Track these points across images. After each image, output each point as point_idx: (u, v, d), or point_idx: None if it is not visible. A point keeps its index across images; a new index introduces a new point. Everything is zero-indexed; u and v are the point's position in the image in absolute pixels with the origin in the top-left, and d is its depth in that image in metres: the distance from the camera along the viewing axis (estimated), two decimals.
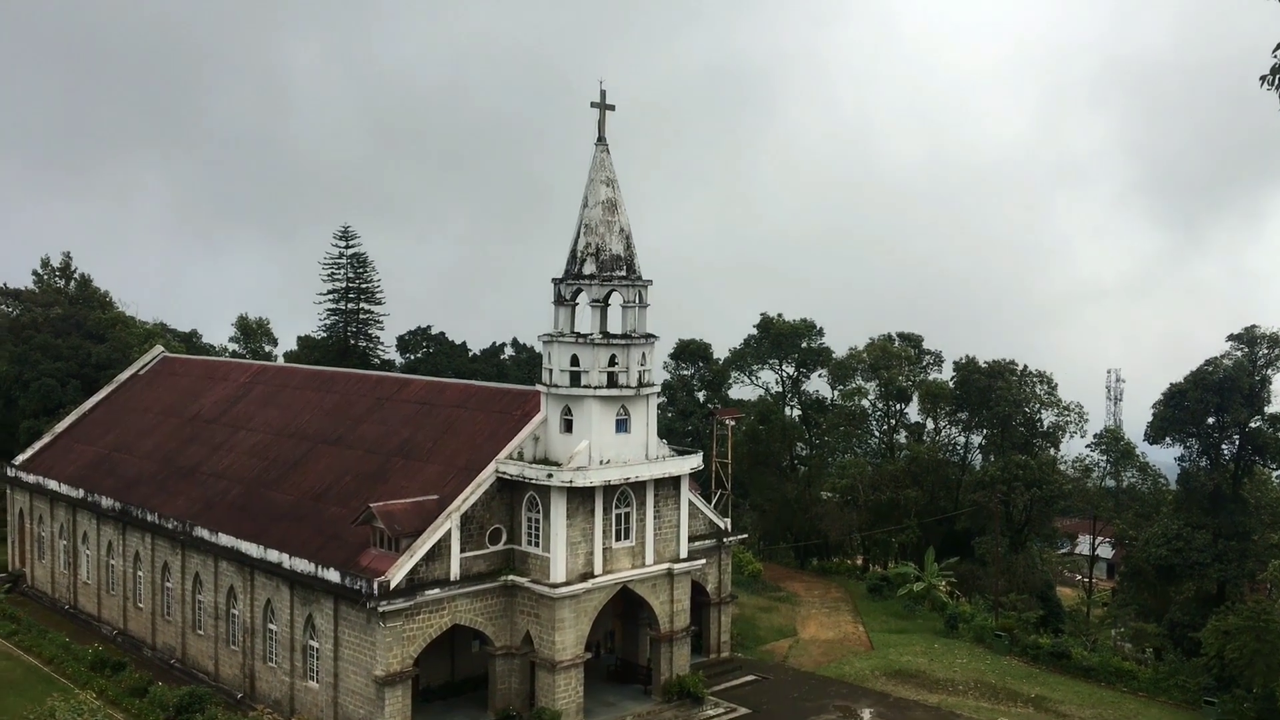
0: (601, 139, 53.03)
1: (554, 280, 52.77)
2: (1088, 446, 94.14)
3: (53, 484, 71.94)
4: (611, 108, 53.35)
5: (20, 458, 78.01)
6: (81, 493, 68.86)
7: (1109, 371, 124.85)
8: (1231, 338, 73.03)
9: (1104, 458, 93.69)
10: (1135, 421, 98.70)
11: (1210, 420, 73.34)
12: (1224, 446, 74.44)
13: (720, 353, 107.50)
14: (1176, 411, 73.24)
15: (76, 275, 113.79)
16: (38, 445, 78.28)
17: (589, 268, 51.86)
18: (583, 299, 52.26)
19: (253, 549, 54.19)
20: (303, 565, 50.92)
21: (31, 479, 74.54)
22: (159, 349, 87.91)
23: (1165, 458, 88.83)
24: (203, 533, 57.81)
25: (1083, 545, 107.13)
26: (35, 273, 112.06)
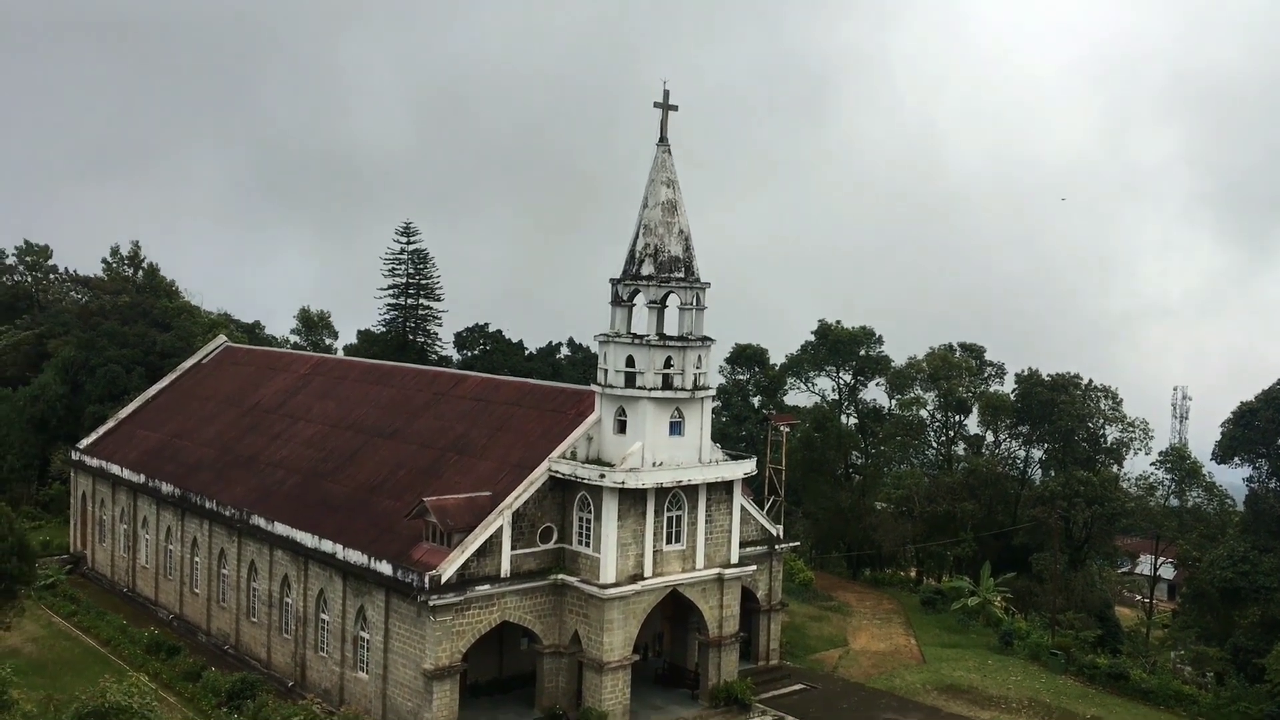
0: (663, 139, 52.82)
1: (611, 280, 52.63)
2: (1152, 465, 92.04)
3: (115, 469, 73.19)
4: (674, 108, 53.13)
5: (84, 442, 79.49)
6: (142, 478, 69.95)
7: (1175, 389, 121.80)
8: None
9: (1169, 476, 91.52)
10: (1200, 441, 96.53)
11: None
12: None
13: (777, 358, 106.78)
14: (1247, 431, 71.44)
15: (145, 264, 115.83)
16: (101, 430, 79.72)
17: (647, 269, 51.64)
18: (640, 300, 52.07)
19: (307, 539, 54.65)
20: (356, 556, 51.24)
21: (94, 463, 75.89)
22: (222, 338, 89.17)
23: (1231, 479, 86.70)
24: (259, 521, 58.41)
25: (1143, 565, 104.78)
26: (105, 260, 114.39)
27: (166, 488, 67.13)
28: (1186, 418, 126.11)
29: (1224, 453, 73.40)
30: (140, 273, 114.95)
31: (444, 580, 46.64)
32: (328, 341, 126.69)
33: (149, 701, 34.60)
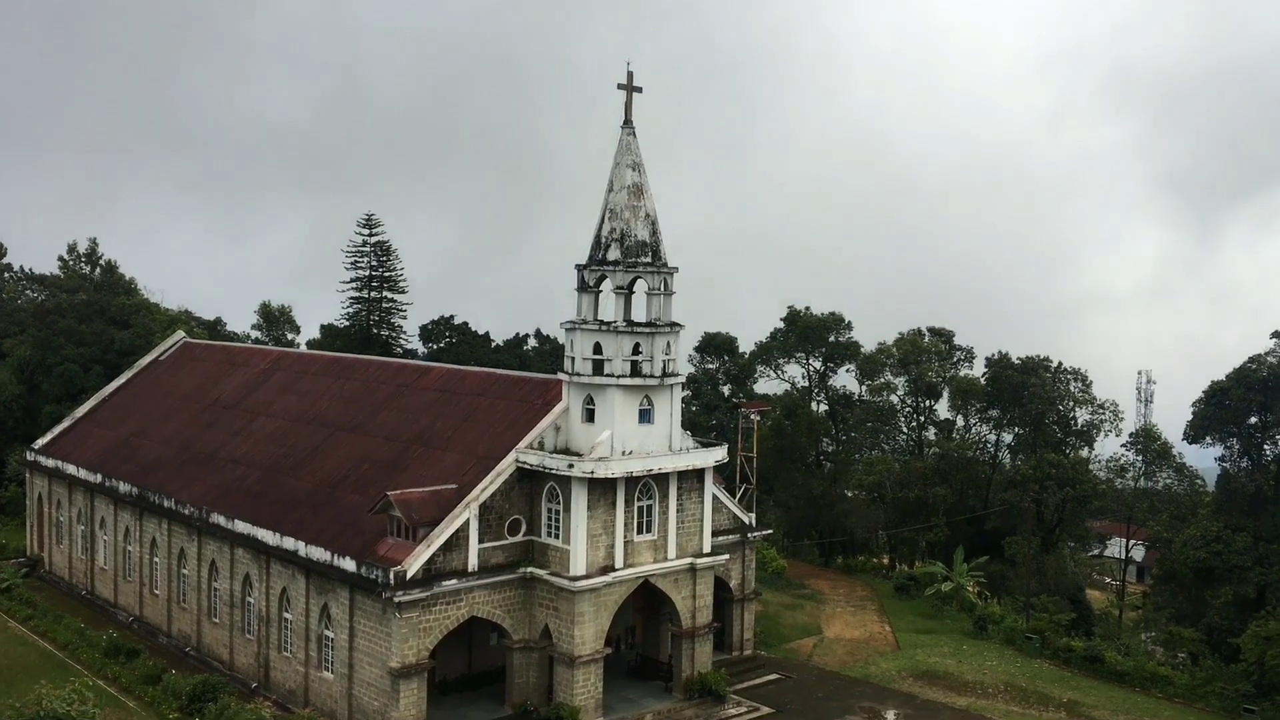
0: (628, 122, 51.69)
1: (578, 266, 51.53)
2: (1123, 446, 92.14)
3: (71, 469, 71.40)
4: (639, 90, 52.05)
5: (40, 442, 77.61)
6: (99, 477, 68.27)
7: (1140, 373, 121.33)
8: (1276, 334, 70.93)
9: (1139, 458, 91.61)
10: (1163, 424, 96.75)
11: (1253, 420, 71.34)
12: (1266, 446, 72.37)
13: (746, 346, 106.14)
14: (1218, 410, 71.29)
15: (102, 261, 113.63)
16: (57, 430, 77.85)
17: (613, 253, 50.58)
18: (607, 285, 50.98)
19: (269, 536, 53.30)
20: (319, 553, 49.96)
21: (50, 463, 74.05)
22: (180, 334, 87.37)
23: (1200, 459, 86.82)
24: (219, 519, 56.98)
25: (1113, 547, 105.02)
26: (61, 258, 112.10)
27: (124, 487, 65.49)
28: (1151, 401, 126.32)
29: (1195, 432, 73.27)
30: (98, 270, 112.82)
31: (409, 576, 45.47)
32: (290, 336, 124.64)
33: (89, 710, 33.10)
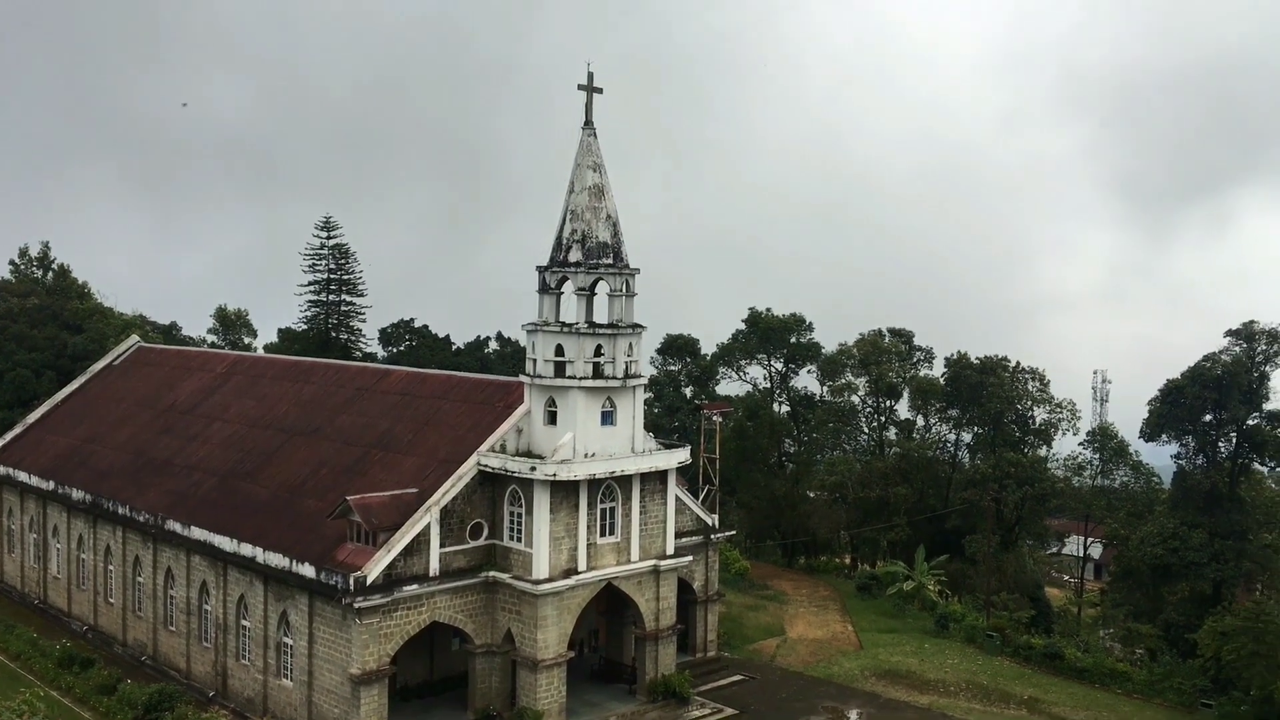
0: (589, 122, 51.53)
1: (539, 268, 51.23)
2: (1080, 445, 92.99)
3: (23, 476, 70.07)
4: (599, 90, 51.92)
5: None
6: (52, 485, 67.04)
7: (1095, 372, 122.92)
8: (1230, 333, 71.83)
9: (1095, 456, 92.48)
10: (1118, 423, 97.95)
11: (1208, 417, 72.19)
12: (1221, 444, 73.26)
13: (708, 348, 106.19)
14: (1174, 408, 72.04)
15: (55, 265, 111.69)
16: (8, 436, 76.37)
17: (575, 255, 50.34)
18: (568, 287, 50.74)
19: (226, 543, 52.53)
20: (277, 560, 49.28)
21: (1, 470, 72.60)
22: (134, 339, 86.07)
23: (1156, 457, 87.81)
24: (175, 526, 56.09)
25: (1071, 545, 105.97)
26: (12, 262, 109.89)
27: (77, 494, 64.35)
28: (1106, 400, 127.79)
29: (1152, 430, 73.98)
30: (50, 274, 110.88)
31: (369, 581, 44.95)
32: (247, 340, 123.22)
33: None
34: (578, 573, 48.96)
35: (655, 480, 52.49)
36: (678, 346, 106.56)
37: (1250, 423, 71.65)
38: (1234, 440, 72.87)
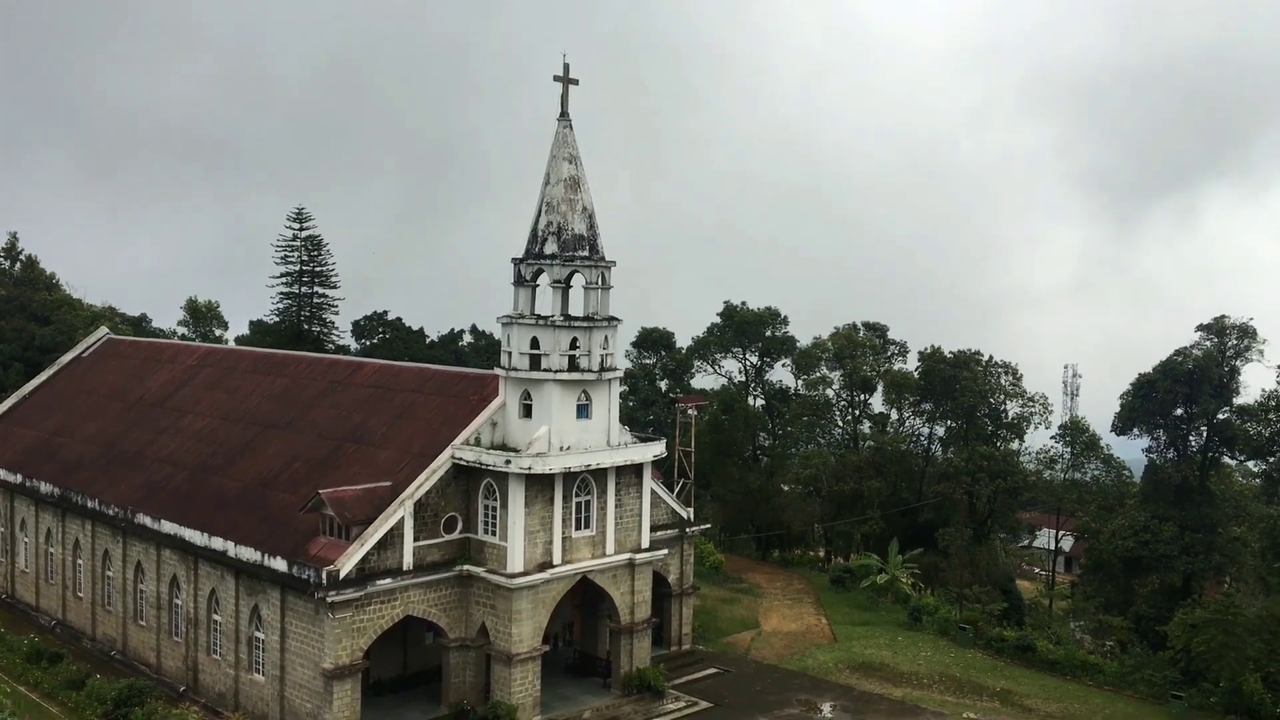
0: (564, 114, 51.23)
1: (514, 260, 50.98)
2: (1052, 438, 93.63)
3: None
4: (575, 82, 51.60)
5: None
6: (19, 478, 66.22)
7: (1066, 366, 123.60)
8: (1201, 328, 72.47)
9: (1067, 450, 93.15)
10: (1089, 417, 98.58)
11: (1179, 411, 72.78)
12: (1191, 438, 73.89)
13: (683, 341, 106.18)
14: (1145, 402, 72.58)
15: (22, 256, 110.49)
16: None
17: (550, 247, 50.11)
18: (544, 280, 50.53)
19: (197, 537, 52.01)
20: (248, 554, 48.84)
21: None
22: (103, 330, 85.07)
23: (1127, 451, 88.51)
24: (145, 519, 55.50)
25: (1042, 538, 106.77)
26: None
27: (45, 487, 63.58)
28: (1077, 394, 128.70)
29: (1123, 424, 74.54)
30: (18, 265, 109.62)
31: (342, 575, 44.62)
32: (218, 333, 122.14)
33: (5, 717, 31.87)
34: (552, 566, 48.81)
35: (630, 474, 52.38)
36: (653, 340, 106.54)
37: (1221, 417, 72.35)
38: (1204, 434, 73.56)
